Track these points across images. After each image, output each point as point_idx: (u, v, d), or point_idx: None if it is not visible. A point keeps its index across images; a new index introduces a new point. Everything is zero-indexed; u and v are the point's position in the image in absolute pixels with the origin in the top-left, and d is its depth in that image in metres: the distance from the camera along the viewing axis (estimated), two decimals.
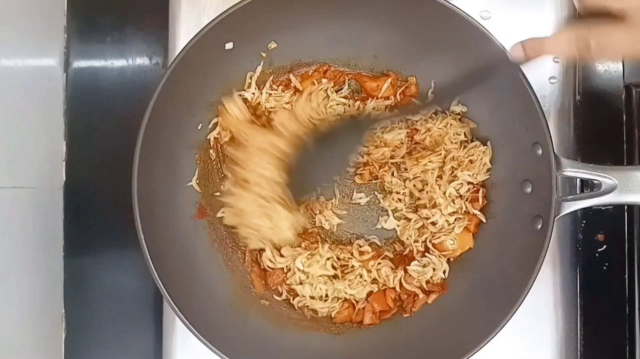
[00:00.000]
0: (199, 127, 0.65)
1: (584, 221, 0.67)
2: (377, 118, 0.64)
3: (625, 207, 0.67)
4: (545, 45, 0.45)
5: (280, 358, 0.62)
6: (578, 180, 0.67)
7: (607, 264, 0.67)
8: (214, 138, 0.66)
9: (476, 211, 0.65)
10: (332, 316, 0.66)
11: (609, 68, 0.68)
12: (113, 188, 0.67)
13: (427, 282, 0.65)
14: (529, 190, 0.61)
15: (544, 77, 0.67)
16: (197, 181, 0.66)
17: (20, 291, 1.02)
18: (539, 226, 0.58)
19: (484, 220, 0.66)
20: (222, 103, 0.64)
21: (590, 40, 0.42)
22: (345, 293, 0.65)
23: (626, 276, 0.66)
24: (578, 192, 0.67)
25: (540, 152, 0.58)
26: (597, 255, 0.67)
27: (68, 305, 0.67)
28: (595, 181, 0.57)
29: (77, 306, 0.67)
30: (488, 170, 0.65)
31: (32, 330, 1.01)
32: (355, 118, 0.65)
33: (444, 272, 0.65)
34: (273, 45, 0.65)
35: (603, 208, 0.66)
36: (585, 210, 0.67)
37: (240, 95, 0.65)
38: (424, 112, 0.66)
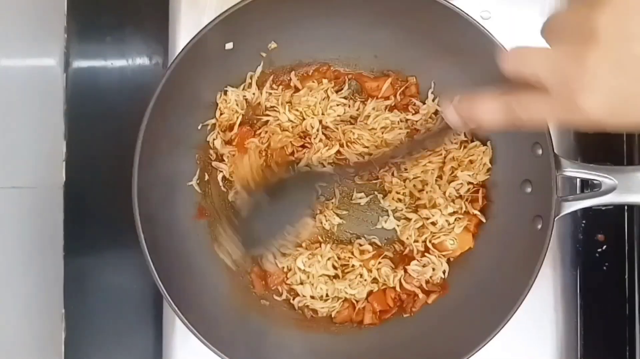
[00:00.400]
0: (199, 127, 0.65)
1: (584, 222, 0.67)
2: (330, 175, 0.64)
3: (626, 207, 0.67)
4: (478, 115, 0.44)
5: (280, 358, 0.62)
6: (578, 180, 0.67)
7: (607, 264, 0.66)
8: (213, 139, 0.66)
9: (476, 212, 0.65)
10: (332, 316, 0.66)
11: None
12: (113, 188, 0.66)
13: (427, 282, 0.65)
14: (529, 190, 0.61)
15: None
16: (197, 182, 0.66)
17: (20, 291, 1.01)
18: (539, 226, 0.58)
19: (484, 220, 0.66)
20: (224, 91, 0.65)
21: (516, 109, 0.42)
22: (346, 292, 0.65)
23: (626, 276, 0.66)
24: (578, 192, 0.67)
25: (540, 152, 0.58)
26: (597, 255, 0.67)
27: (68, 305, 0.67)
28: (595, 182, 0.57)
29: (77, 306, 0.67)
30: (488, 170, 0.65)
31: (32, 330, 1.01)
32: (307, 173, 0.65)
33: (444, 272, 0.65)
34: (273, 45, 0.65)
35: (603, 208, 0.66)
36: (585, 210, 0.66)
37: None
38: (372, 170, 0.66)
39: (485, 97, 0.44)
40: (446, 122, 0.48)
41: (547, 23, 0.41)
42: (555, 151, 0.57)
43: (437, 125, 0.51)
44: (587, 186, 0.66)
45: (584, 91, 0.38)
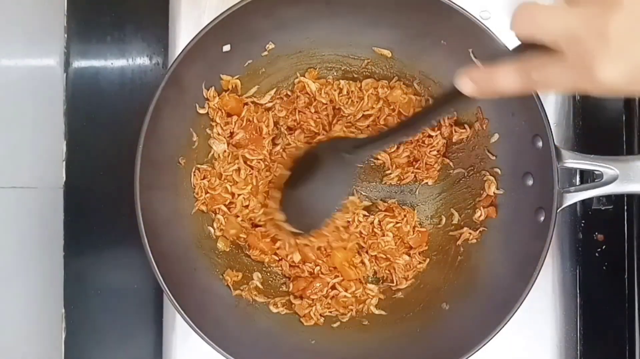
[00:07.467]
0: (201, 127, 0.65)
1: (583, 222, 0.67)
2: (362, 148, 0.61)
3: (625, 207, 0.67)
4: (495, 82, 0.43)
5: (285, 358, 0.62)
6: (578, 174, 0.67)
7: (606, 264, 0.67)
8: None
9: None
10: None
11: None
12: (113, 188, 0.67)
13: None
14: (530, 182, 0.61)
15: None
16: None
17: (21, 291, 1.02)
18: (542, 219, 0.58)
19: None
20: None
21: (532, 74, 0.41)
22: None
23: (626, 276, 0.66)
24: (578, 184, 0.66)
25: (540, 144, 0.58)
26: (596, 255, 0.67)
27: (68, 305, 0.67)
28: (596, 172, 0.57)
29: (77, 306, 0.67)
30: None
31: (32, 330, 1.01)
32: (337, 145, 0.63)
33: None
34: (271, 45, 0.65)
35: (602, 208, 0.66)
36: (584, 210, 0.67)
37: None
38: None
39: (500, 64, 0.43)
40: (458, 90, 0.45)
41: None
42: (555, 143, 0.57)
43: (446, 92, 0.50)
44: (586, 180, 0.66)
45: (603, 62, 0.36)
